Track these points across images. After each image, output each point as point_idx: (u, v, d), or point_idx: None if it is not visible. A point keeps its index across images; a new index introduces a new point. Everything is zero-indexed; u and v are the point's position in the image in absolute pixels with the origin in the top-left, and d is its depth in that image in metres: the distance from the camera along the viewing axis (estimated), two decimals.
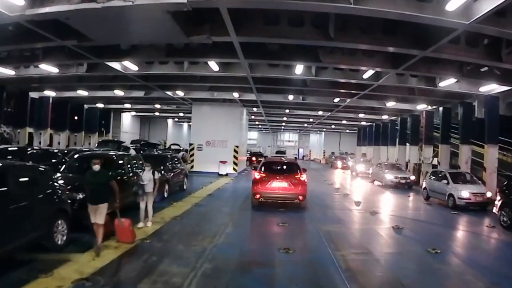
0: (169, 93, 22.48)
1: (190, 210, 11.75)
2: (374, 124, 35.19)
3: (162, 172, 13.80)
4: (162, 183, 13.34)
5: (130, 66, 15.23)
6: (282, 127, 52.23)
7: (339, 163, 37.29)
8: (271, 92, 20.05)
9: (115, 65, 15.57)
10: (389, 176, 20.67)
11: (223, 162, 24.13)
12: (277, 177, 12.41)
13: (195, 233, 8.82)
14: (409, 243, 9.07)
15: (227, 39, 10.44)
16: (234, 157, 24.61)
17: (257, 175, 12.64)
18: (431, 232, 10.34)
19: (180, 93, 22.40)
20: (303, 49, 12.70)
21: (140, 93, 24.04)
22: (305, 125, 42.87)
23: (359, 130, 42.29)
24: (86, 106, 32.24)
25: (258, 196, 12.29)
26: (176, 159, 16.15)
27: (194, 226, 9.52)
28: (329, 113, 27.94)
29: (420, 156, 28.20)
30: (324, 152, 54.90)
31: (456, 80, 15.71)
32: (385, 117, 29.52)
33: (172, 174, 14.45)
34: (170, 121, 46.64)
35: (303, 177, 12.69)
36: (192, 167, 24.93)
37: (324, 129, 50.50)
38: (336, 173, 32.11)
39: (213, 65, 14.23)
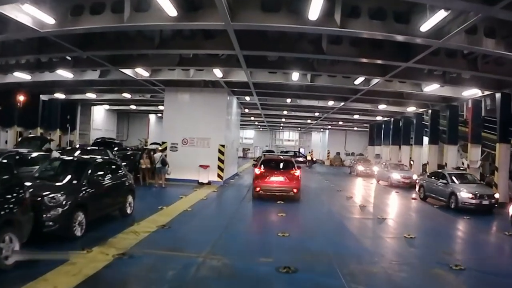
0: (128, 72, 16.47)
1: (96, 277, 5.67)
2: (392, 119, 29.17)
3: (80, 188, 7.85)
4: (72, 210, 7.40)
5: (42, 17, 9.24)
6: (282, 125, 46.09)
7: (360, 168, 28.67)
8: (267, 66, 13.93)
9: (22, 17, 9.54)
10: (465, 194, 12.96)
11: (204, 167, 18.07)
12: (275, 173, 13.74)
13: None
14: None
15: None
16: (220, 160, 18.52)
17: (257, 170, 13.96)
18: None
19: (143, 73, 16.31)
20: None
21: (94, 75, 18.11)
22: (309, 121, 36.75)
23: (371, 127, 36.25)
24: (44, 97, 26.55)
25: (258, 189, 13.61)
26: (113, 165, 10.04)
27: None
28: (343, 103, 21.86)
29: (462, 158, 22.28)
30: (328, 153, 48.87)
31: None
32: (411, 109, 23.48)
33: (95, 192, 8.35)
34: (152, 116, 40.51)
35: (297, 172, 13.92)
36: None
37: (329, 127, 44.44)
38: (356, 182, 24.82)
39: (165, 3, 8.14)
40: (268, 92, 19.87)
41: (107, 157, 15.55)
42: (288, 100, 22.17)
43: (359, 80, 15.35)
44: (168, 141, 19.07)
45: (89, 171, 8.48)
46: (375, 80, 15.54)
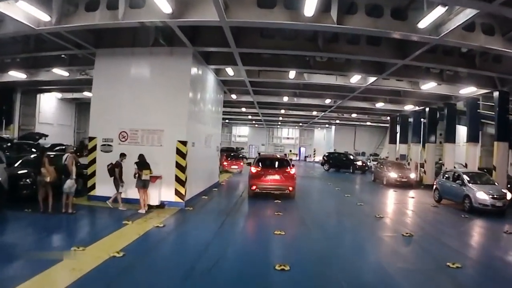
0: (17, 16, 9.08)
1: None
2: (427, 109, 21.86)
3: None
4: None
5: None
6: (280, 118, 38.37)
7: (391, 174, 20.11)
8: None
9: None
10: None
11: (153, 179, 10.70)
12: (271, 171, 13.72)
13: None
14: None
15: None
16: (179, 166, 11.15)
17: (253, 169, 13.89)
18: None
19: (39, 15, 9.03)
20: None
21: None
22: (314, 113, 29.31)
23: (393, 121, 28.94)
24: None
25: (254, 187, 13.57)
26: None
27: None
28: (374, 79, 14.59)
29: None
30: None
31: None
32: (467, 91, 16.25)
33: None
34: None
35: (293, 171, 13.98)
36: (87, 188, 11.65)
37: (337, 121, 37.10)
38: (393, 197, 16.40)
39: None
40: (261, 56, 12.60)
41: None
42: (292, 75, 14.79)
43: (434, 15, 8.01)
44: (98, 136, 11.75)
45: None
46: (457, 21, 8.27)
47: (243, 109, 29.44)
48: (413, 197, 16.12)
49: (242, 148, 46.51)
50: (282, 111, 29.83)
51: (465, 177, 12.64)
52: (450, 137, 19.72)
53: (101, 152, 11.63)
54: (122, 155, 10.61)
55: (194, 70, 11.92)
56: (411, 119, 25.36)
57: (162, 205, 10.96)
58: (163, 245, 7.49)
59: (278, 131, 56.03)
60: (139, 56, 11.69)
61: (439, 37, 9.10)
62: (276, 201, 13.09)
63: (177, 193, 11.08)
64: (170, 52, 11.33)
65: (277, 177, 13.55)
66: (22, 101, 25.01)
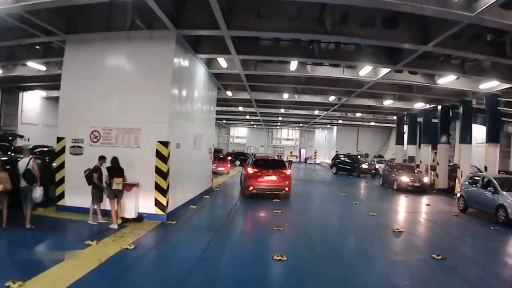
0: None
1: None
2: (439, 107, 20.14)
3: None
4: None
5: None
6: (280, 118, 36.51)
7: (403, 179, 18.24)
8: None
9: None
10: None
11: (128, 188, 8.96)
12: (267, 172, 13.69)
13: None
14: None
15: None
16: (159, 171, 9.39)
17: (250, 170, 13.90)
18: None
19: None
20: None
21: None
22: (316, 112, 27.57)
23: (399, 120, 27.24)
24: None
25: (251, 188, 13.61)
26: None
27: None
28: (387, 70, 12.88)
29: None
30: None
31: None
32: (487, 85, 14.54)
33: None
34: None
35: (289, 171, 14.09)
36: (56, 198, 9.97)
37: (340, 121, 35.36)
38: (413, 207, 13.97)
39: None
40: (257, 43, 10.93)
41: None
42: (293, 66, 13.02)
43: None
44: (67, 136, 10.02)
45: None
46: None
47: (240, 108, 27.65)
48: (428, 205, 14.36)
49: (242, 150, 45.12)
50: (282, 110, 28.06)
51: (497, 183, 10.79)
52: (466, 137, 17.94)
53: (70, 154, 9.93)
54: (102, 158, 8.88)
55: (178, 58, 10.18)
56: (420, 119, 23.67)
57: (140, 218, 9.22)
58: (124, 279, 5.69)
59: (277, 132, 54.39)
60: (114, 42, 9.95)
61: (475, 13, 7.42)
62: (275, 211, 11.36)
63: (158, 203, 9.33)
64: (150, 36, 9.59)
65: (273, 177, 13.58)
66: (3, 100, 23.38)
